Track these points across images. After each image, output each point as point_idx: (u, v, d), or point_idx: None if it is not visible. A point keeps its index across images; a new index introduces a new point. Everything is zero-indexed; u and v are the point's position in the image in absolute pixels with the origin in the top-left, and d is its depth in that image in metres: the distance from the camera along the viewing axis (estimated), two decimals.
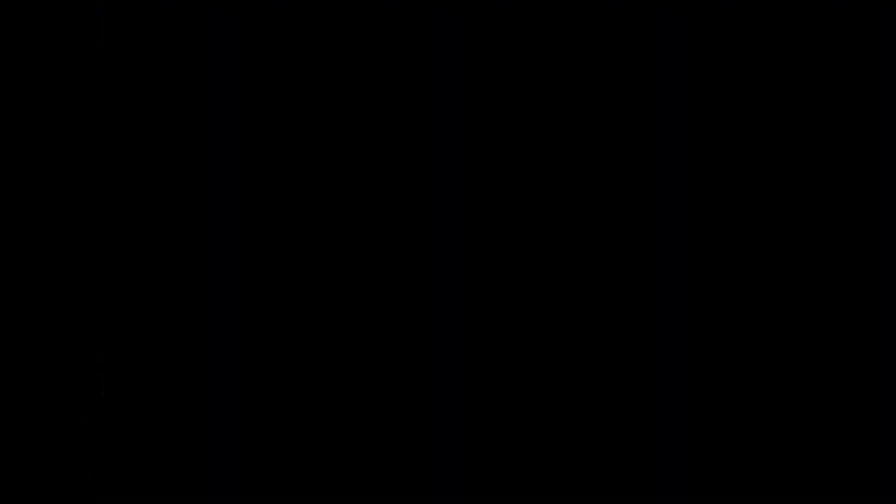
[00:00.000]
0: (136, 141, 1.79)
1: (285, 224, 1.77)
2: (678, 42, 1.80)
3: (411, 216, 1.79)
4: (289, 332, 1.76)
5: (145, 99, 1.80)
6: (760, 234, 1.80)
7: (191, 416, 1.75)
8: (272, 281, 1.76)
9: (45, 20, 1.74)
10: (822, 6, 1.80)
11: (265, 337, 1.76)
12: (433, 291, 1.78)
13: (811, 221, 1.80)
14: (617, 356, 1.79)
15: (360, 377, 1.76)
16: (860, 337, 1.79)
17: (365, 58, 1.79)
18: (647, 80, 1.81)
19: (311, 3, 1.79)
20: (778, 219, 1.80)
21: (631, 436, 1.79)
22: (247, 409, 1.75)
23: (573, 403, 1.78)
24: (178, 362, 1.75)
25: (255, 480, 1.74)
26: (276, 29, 1.79)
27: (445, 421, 1.75)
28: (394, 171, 1.79)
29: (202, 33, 1.79)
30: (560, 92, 1.80)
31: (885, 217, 1.78)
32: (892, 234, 1.78)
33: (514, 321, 1.77)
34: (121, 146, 1.78)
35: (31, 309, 1.71)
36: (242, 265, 1.76)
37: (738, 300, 1.80)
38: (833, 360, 1.80)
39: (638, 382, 1.79)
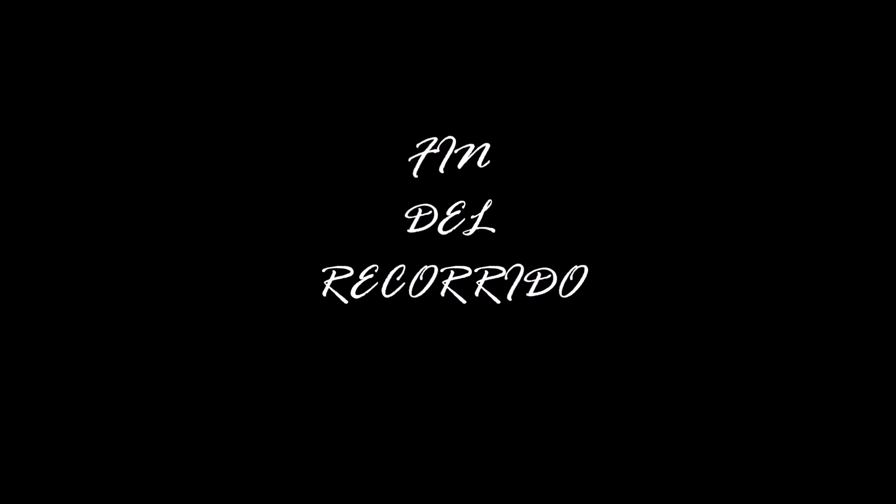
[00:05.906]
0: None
1: (284, 224, 1.78)
2: (678, 42, 1.81)
3: (410, 216, 1.80)
4: (287, 331, 1.76)
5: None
6: (760, 234, 1.81)
7: (190, 416, 1.75)
8: (270, 280, 1.77)
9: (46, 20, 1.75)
10: (822, 6, 1.81)
11: (264, 337, 1.76)
12: (432, 291, 1.79)
13: (810, 221, 1.81)
14: (616, 355, 1.79)
15: (359, 377, 1.77)
16: (859, 335, 1.80)
17: (364, 58, 1.80)
18: (647, 81, 1.82)
19: (310, 4, 1.80)
20: (777, 218, 1.81)
21: (630, 435, 1.79)
22: (246, 409, 1.76)
23: (572, 402, 1.78)
24: (177, 362, 1.76)
25: (255, 480, 1.75)
26: (275, 29, 1.80)
27: (444, 420, 1.76)
28: (393, 171, 1.80)
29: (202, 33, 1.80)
30: (560, 92, 1.81)
31: (883, 217, 1.79)
32: (891, 234, 1.79)
33: (513, 320, 1.78)
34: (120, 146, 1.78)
35: (32, 309, 1.72)
36: (241, 265, 1.77)
37: (737, 299, 1.80)
38: (831, 359, 1.81)
39: (636, 381, 1.80)
